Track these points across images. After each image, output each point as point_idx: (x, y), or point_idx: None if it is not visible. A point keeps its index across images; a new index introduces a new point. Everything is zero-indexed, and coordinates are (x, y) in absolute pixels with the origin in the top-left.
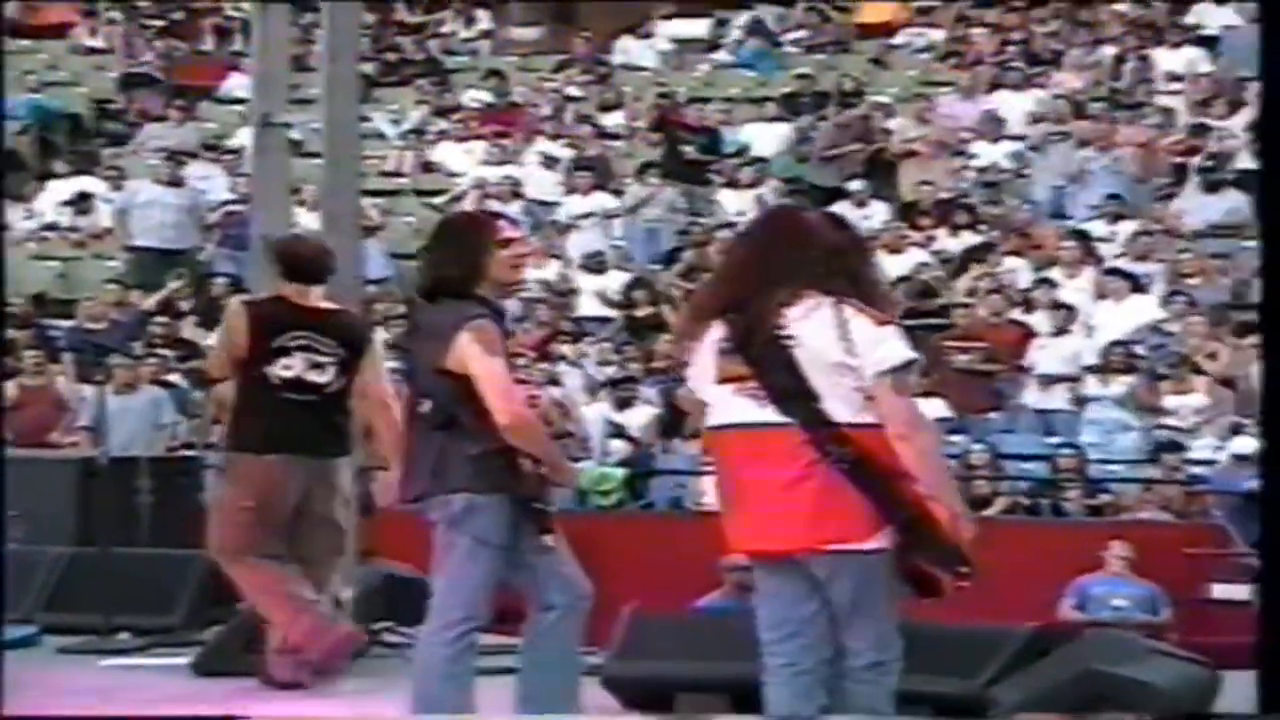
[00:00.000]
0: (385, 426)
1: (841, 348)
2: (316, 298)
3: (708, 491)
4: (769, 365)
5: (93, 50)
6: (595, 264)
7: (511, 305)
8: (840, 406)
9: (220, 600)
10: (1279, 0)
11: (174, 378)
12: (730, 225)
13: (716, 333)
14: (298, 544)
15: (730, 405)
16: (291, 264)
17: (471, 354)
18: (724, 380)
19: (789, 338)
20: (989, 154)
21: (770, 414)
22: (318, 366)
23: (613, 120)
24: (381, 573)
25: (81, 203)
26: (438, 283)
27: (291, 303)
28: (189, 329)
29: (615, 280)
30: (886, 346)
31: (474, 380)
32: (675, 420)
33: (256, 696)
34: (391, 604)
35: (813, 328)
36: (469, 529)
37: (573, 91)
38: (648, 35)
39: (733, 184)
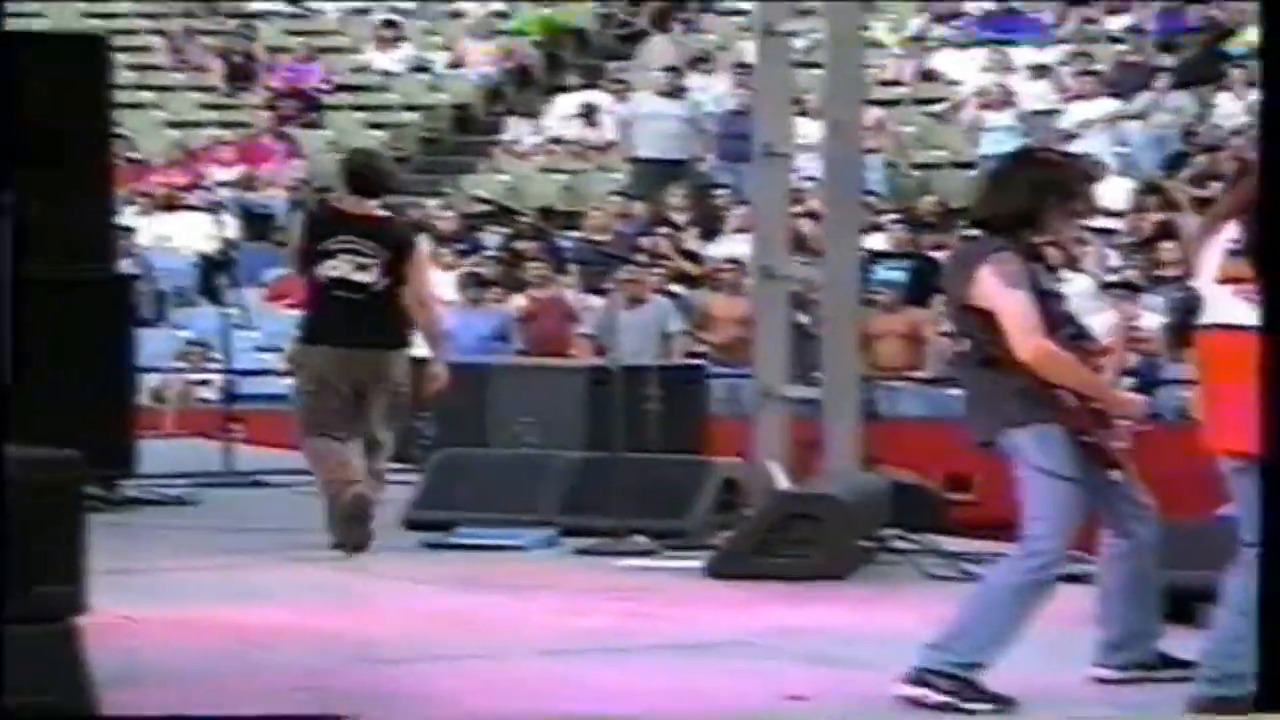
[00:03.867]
0: (426, 323)
1: None
2: (369, 208)
3: None
4: (1274, 269)
5: None
6: (1096, 171)
7: None
8: None
9: (731, 506)
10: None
11: (678, 288)
12: (1236, 131)
13: (1230, 233)
14: (361, 424)
15: (1224, 305)
16: (353, 177)
17: (992, 287)
18: (1224, 280)
19: None
20: None
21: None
22: (362, 268)
23: (1118, 24)
24: (887, 480)
25: (587, 116)
26: (985, 221)
27: (340, 210)
28: (691, 240)
29: (1117, 187)
30: None
31: (997, 315)
32: (1181, 329)
33: (765, 599)
34: (898, 511)
35: None
36: (1035, 461)
37: None
38: None
39: (1232, 88)
